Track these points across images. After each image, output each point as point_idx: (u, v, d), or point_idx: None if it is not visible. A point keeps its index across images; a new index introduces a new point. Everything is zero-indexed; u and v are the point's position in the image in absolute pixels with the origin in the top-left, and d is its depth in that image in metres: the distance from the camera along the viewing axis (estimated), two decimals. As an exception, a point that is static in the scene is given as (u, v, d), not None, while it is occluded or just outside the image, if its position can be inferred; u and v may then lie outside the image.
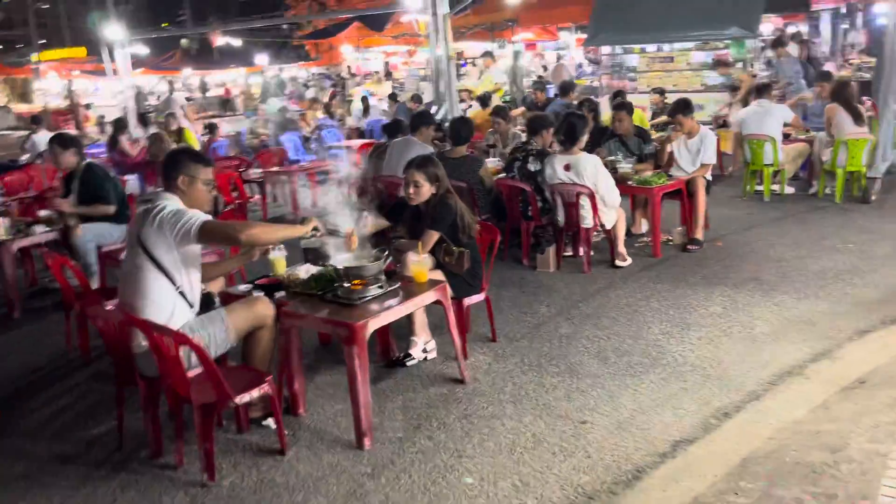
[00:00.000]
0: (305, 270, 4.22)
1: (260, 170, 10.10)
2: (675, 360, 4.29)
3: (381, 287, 3.79)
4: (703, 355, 4.34)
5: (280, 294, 3.98)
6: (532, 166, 6.30)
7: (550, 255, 6.20)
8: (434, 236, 4.29)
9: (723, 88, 12.22)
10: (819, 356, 4.22)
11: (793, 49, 13.64)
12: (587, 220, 5.99)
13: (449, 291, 4.07)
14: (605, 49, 13.96)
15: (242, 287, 4.18)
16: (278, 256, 4.22)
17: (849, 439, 3.00)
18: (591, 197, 5.88)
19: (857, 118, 7.68)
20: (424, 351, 4.44)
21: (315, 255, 4.25)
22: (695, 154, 6.70)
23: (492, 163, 7.11)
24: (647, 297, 5.39)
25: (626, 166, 6.55)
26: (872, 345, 4.32)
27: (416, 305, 3.88)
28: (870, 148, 7.66)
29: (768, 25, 17.87)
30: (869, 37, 19.31)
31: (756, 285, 5.47)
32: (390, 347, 4.48)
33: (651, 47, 13.43)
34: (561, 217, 6.13)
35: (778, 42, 12.78)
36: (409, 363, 4.40)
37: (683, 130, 6.71)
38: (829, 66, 12.79)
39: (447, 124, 8.33)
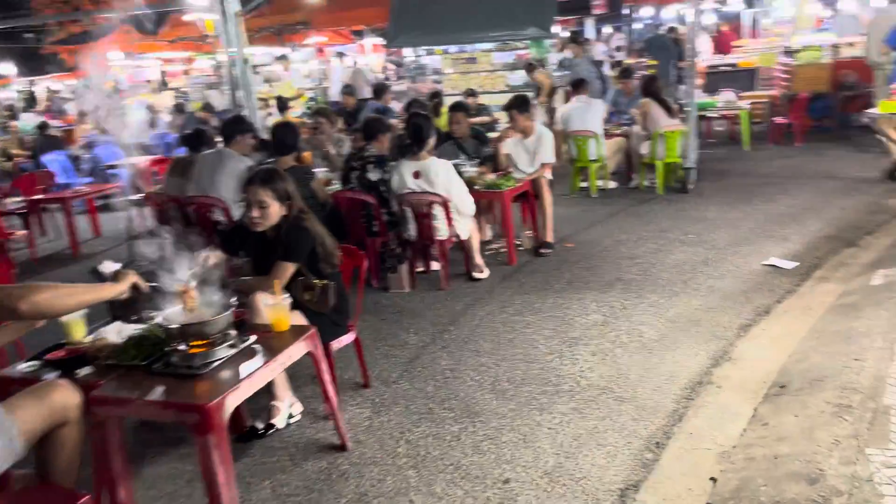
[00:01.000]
0: (116, 332, 3.14)
1: (20, 198, 8.25)
2: (578, 384, 3.79)
3: (232, 345, 2.85)
4: (604, 374, 3.88)
5: (85, 371, 2.88)
6: (373, 175, 5.55)
7: (404, 274, 5.50)
8: (290, 269, 3.40)
9: (527, 88, 12.29)
10: (718, 359, 3.95)
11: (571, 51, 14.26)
12: (442, 232, 5.36)
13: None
14: (408, 51, 13.54)
15: (24, 366, 3.00)
16: (74, 317, 3.09)
17: (818, 464, 2.64)
18: (445, 206, 5.26)
19: (669, 111, 7.88)
20: (290, 416, 3.53)
21: (127, 307, 3.16)
22: (532, 154, 6.36)
23: (321, 174, 6.24)
24: (520, 311, 4.88)
25: (470, 170, 6.03)
26: (761, 340, 4.14)
27: (284, 364, 2.97)
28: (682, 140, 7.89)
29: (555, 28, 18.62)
30: (630, 40, 20.92)
31: (623, 286, 5.19)
32: (241, 415, 3.50)
33: (454, 48, 13.23)
34: (412, 230, 5.44)
35: (574, 41, 13.19)
36: (269, 433, 3.46)
37: (517, 127, 6.33)
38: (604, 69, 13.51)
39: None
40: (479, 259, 5.65)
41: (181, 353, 2.77)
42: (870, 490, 2.43)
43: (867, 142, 9.74)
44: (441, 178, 5.22)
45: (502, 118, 10.54)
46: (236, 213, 5.60)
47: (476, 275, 5.61)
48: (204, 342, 2.79)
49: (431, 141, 5.40)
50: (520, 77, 12.67)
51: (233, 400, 2.62)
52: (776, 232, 6.16)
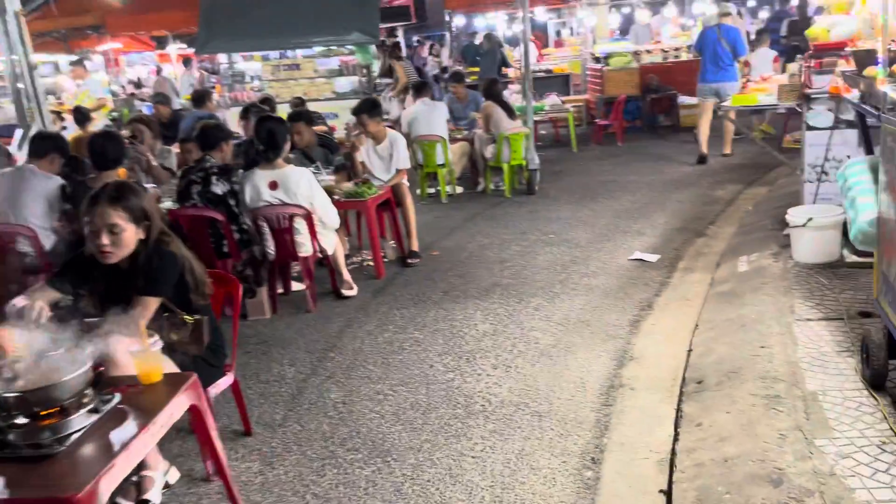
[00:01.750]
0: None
1: None
2: (490, 403, 3.48)
3: (93, 410, 2.19)
4: (513, 388, 3.61)
5: None
6: (218, 188, 4.87)
7: (264, 298, 4.88)
8: (154, 304, 2.74)
9: (355, 95, 11.87)
10: (621, 359, 3.84)
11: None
12: (305, 247, 4.82)
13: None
14: (223, 57, 12.59)
15: None
16: None
17: (773, 462, 2.53)
18: (309, 218, 4.73)
19: (511, 113, 7.89)
20: (167, 486, 2.85)
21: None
22: (388, 160, 5.99)
23: (150, 188, 5.41)
24: (404, 328, 4.49)
25: (326, 179, 5.52)
26: (655, 335, 4.10)
27: (165, 425, 2.33)
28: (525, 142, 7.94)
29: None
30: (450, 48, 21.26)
31: (502, 291, 4.98)
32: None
33: (274, 54, 12.49)
34: (271, 248, 4.84)
35: (396, 49, 13.01)
36: (140, 510, 2.77)
37: (368, 133, 5.93)
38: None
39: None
40: (347, 275, 5.17)
41: (24, 428, 2.07)
42: (837, 485, 2.34)
43: (678, 138, 10.54)
44: (303, 187, 4.68)
45: (337, 125, 10.12)
46: (47, 242, 4.68)
47: (345, 292, 5.12)
48: (54, 410, 2.12)
49: (287, 146, 4.84)
50: (348, 83, 12.24)
51: (107, 484, 1.98)
52: (630, 227, 6.30)
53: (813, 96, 4.39)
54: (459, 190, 8.33)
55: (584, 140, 10.93)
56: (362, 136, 5.99)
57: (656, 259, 5.38)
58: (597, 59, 13.43)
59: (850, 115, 4.33)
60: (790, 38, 11.41)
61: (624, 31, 18.51)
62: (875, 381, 2.82)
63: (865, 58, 2.99)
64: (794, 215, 4.38)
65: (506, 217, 7.06)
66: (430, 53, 16.49)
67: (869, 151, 3.64)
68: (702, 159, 8.68)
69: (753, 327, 3.64)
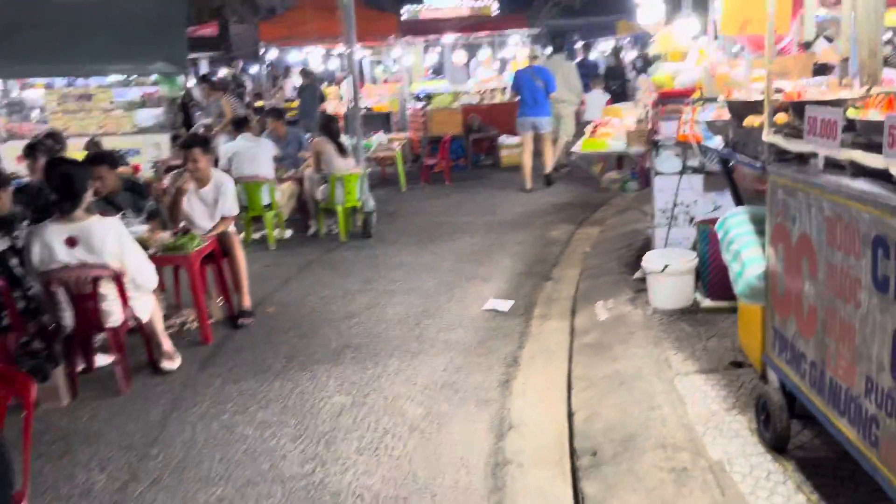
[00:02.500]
0: None
1: None
2: (363, 500, 2.93)
3: None
4: (387, 477, 3.09)
5: None
6: (-5, 246, 3.88)
7: (61, 380, 3.92)
8: None
9: (162, 129, 10.74)
10: (500, 428, 3.47)
11: (200, 91, 13.20)
12: (114, 316, 3.97)
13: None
14: (-5, 84, 10.84)
15: None
16: None
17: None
18: (118, 280, 3.90)
19: (343, 152, 7.42)
20: None
21: None
22: (212, 206, 5.25)
23: None
24: (244, 408, 3.79)
25: (139, 230, 4.66)
26: (528, 396, 3.79)
27: None
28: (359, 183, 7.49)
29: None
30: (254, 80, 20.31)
31: (355, 353, 4.45)
32: None
33: (61, 81, 11.00)
34: (67, 318, 3.92)
35: (204, 81, 12.07)
36: None
37: (199, 167, 5.17)
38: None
39: None
40: (167, 343, 4.35)
41: None
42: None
43: (502, 178, 10.66)
44: (110, 243, 3.85)
45: (141, 163, 9.00)
46: None
47: (166, 365, 4.29)
48: None
49: (89, 195, 3.97)
50: (151, 115, 11.05)
51: None
52: (475, 272, 6.05)
53: (661, 142, 4.40)
54: (289, 234, 7.66)
55: (411, 179, 10.70)
56: (187, 175, 5.18)
57: (509, 307, 5.14)
58: (418, 99, 13.40)
59: (695, 162, 4.39)
60: (609, 83, 12.15)
61: (437, 70, 18.86)
62: (777, 445, 2.68)
63: (742, 108, 2.92)
64: (650, 261, 4.33)
65: (345, 264, 6.53)
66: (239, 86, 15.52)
67: (738, 202, 3.63)
68: (526, 190, 9.30)
69: (634, 384, 3.44)
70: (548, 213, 8.20)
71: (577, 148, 4.76)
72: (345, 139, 7.66)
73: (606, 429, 3.15)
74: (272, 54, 16.30)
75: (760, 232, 2.89)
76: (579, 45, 27.03)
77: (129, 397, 3.98)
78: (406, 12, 18.12)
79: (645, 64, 16.89)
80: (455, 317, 5.01)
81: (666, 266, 4.20)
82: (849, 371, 2.18)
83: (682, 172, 4.42)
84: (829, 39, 5.04)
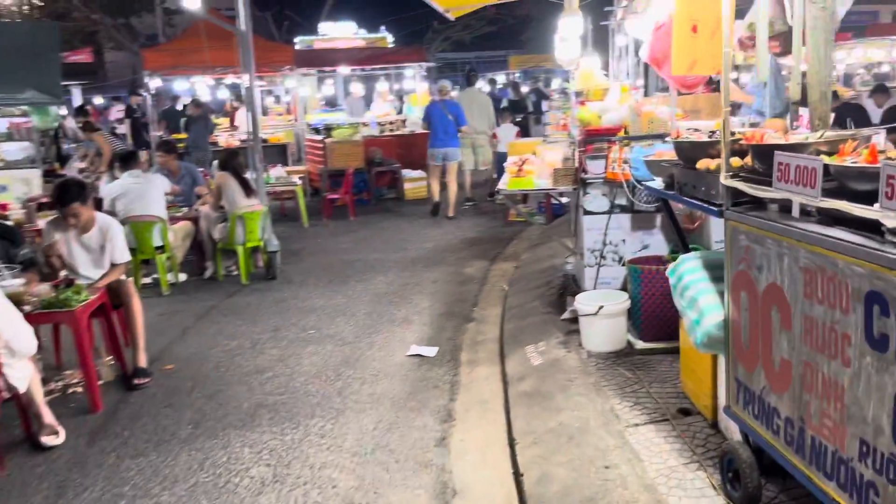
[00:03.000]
0: None
1: None
2: None
3: None
4: (324, 566, 2.70)
5: None
6: None
7: (-86, 471, 3.26)
8: None
9: (32, 163, 9.77)
10: (444, 496, 3.17)
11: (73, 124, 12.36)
12: (-16, 389, 3.36)
13: None
14: None
15: None
16: None
17: None
18: (-11, 347, 3.30)
19: (248, 189, 6.95)
20: None
21: None
22: (98, 252, 4.70)
23: None
24: (145, 490, 3.29)
25: (12, 284, 4.03)
26: (470, 455, 3.51)
27: None
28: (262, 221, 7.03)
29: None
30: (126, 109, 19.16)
31: (272, 415, 4.02)
32: None
33: None
34: (-76, 394, 3.28)
35: (82, 113, 11.18)
36: None
37: (81, 221, 4.61)
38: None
39: None
40: (48, 415, 3.75)
41: None
42: None
43: (406, 211, 10.44)
44: (-22, 305, 3.26)
45: (10, 201, 8.11)
46: None
47: (47, 440, 3.70)
48: None
49: (-49, 248, 3.37)
50: (20, 149, 10.06)
51: None
52: (394, 314, 5.74)
53: (589, 181, 4.30)
54: (183, 278, 7.05)
55: (313, 214, 10.27)
56: (70, 223, 4.58)
57: (435, 352, 4.86)
58: (316, 130, 13.00)
59: (624, 200, 4.31)
60: (513, 115, 12.33)
61: (331, 102, 18.52)
62: (749, 504, 2.53)
63: (691, 150, 2.82)
64: (583, 303, 4.19)
65: (249, 309, 6.04)
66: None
67: (684, 246, 3.54)
68: (435, 208, 9.82)
69: (584, 439, 3.24)
70: (459, 248, 8.02)
71: (503, 185, 4.58)
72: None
73: (562, 492, 2.92)
74: (155, 83, 15.43)
75: (717, 278, 2.78)
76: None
77: (3, 483, 3.37)
78: (299, 43, 17.74)
79: (538, 98, 17.35)
80: (379, 366, 4.68)
81: (600, 308, 4.07)
82: (837, 432, 2.06)
83: (610, 212, 4.33)
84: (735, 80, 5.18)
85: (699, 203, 2.81)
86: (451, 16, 6.19)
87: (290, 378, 4.53)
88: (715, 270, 2.81)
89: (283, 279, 6.97)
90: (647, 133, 4.23)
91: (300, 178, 11.53)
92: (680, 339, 3.48)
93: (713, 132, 2.86)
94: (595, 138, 4.26)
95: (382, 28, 18.38)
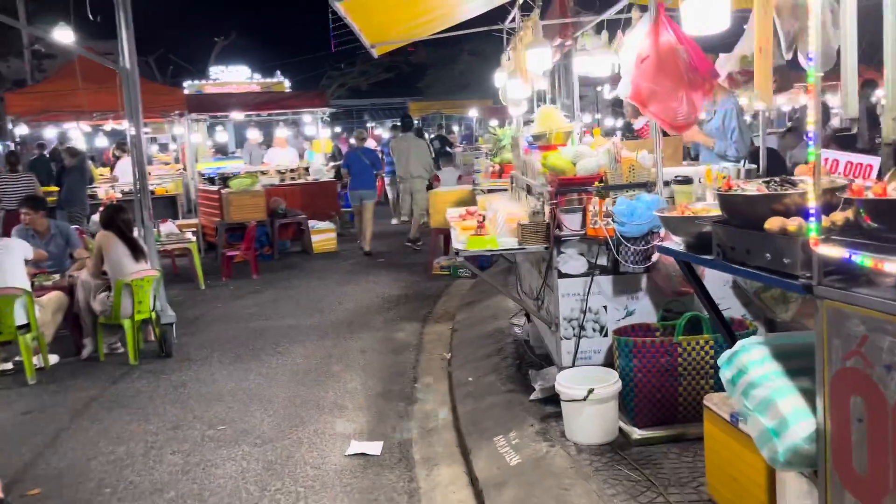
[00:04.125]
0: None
1: None
2: None
3: None
4: None
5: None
6: None
7: None
8: None
9: None
10: None
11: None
12: None
13: None
14: None
15: None
16: None
17: None
18: None
19: (136, 251, 5.82)
20: None
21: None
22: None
23: None
24: None
25: None
26: None
27: None
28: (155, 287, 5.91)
29: None
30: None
31: (178, 561, 2.98)
32: None
33: None
34: None
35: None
36: None
37: None
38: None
39: None
40: None
41: None
42: None
43: (315, 266, 9.48)
44: None
45: None
46: None
47: None
48: None
49: None
50: None
51: None
52: (322, 398, 4.80)
53: (564, 238, 3.62)
54: (55, 360, 5.79)
55: (209, 273, 9.11)
56: None
57: (380, 449, 3.98)
58: (210, 180, 11.85)
59: (604, 260, 3.66)
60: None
61: (222, 150, 17.29)
62: None
63: (750, 204, 2.17)
64: (567, 385, 3.46)
65: (141, 400, 4.91)
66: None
67: (728, 332, 2.86)
68: (367, 253, 10.07)
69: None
70: (383, 307, 7.16)
71: (461, 245, 3.82)
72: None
73: None
74: (21, 130, 13.74)
75: (796, 371, 2.12)
76: (370, 123, 27.01)
77: None
78: (188, 87, 16.50)
79: (442, 144, 16.91)
80: (313, 473, 3.73)
81: (590, 391, 3.35)
82: None
83: (590, 274, 3.66)
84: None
85: (765, 274, 2.15)
86: (374, 52, 5.50)
87: (197, 496, 3.49)
88: (790, 360, 2.15)
89: (181, 356, 5.85)
90: (627, 182, 3.62)
91: (193, 232, 10.38)
92: (705, 432, 2.80)
93: (783, 180, 2.23)
94: (569, 188, 3.60)
95: (278, 73, 17.46)
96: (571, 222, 3.59)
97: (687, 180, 3.51)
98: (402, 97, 28.07)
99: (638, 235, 3.44)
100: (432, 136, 18.60)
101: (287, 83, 17.04)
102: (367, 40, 5.23)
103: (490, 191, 6.88)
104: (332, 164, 14.36)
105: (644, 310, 3.71)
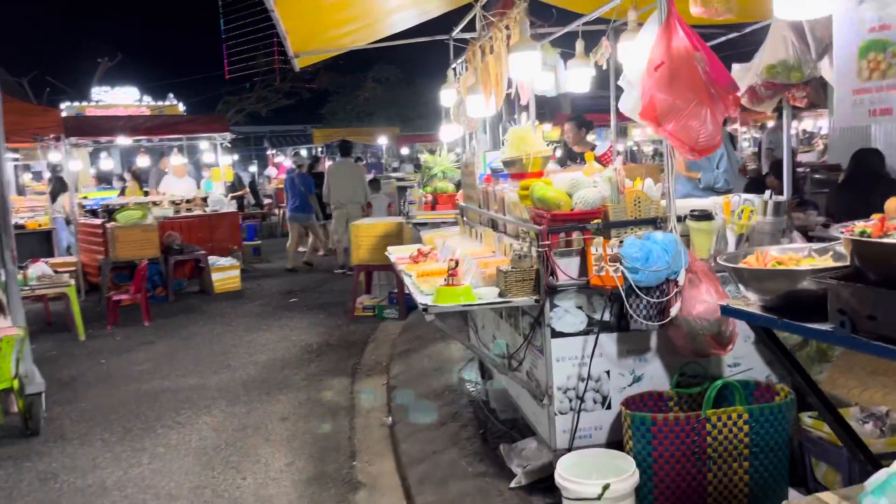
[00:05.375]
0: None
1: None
2: None
3: None
4: None
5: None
6: None
7: None
8: None
9: None
10: None
11: None
12: None
13: None
14: None
15: None
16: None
17: None
18: None
19: (-6, 307, 4.61)
20: None
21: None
22: None
23: None
24: None
25: None
26: None
27: None
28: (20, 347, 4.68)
29: None
30: None
31: None
32: None
33: None
34: None
35: None
36: None
37: None
38: None
39: None
40: None
41: None
42: None
43: (217, 309, 8.32)
44: None
45: None
46: None
47: None
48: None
49: None
50: None
51: None
52: (238, 488, 3.78)
53: (560, 288, 2.86)
54: None
55: (92, 320, 7.78)
56: None
57: (323, 562, 3.04)
58: (93, 213, 10.39)
59: (608, 315, 2.92)
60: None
61: (106, 178, 15.62)
62: None
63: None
64: (574, 480, 2.67)
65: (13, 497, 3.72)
66: None
67: (857, 451, 2.15)
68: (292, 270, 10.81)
69: None
70: (303, 359, 6.16)
71: (428, 301, 2.97)
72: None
73: None
74: None
75: None
76: (270, 150, 25.62)
77: None
78: (66, 109, 14.78)
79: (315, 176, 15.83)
80: None
81: (606, 488, 2.58)
82: None
83: (591, 331, 2.92)
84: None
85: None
86: (296, 63, 4.64)
87: None
88: None
89: (53, 434, 4.64)
90: (633, 218, 2.92)
91: (71, 272, 8.93)
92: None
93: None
94: (565, 226, 2.86)
95: (171, 95, 16.01)
96: (569, 268, 2.84)
97: (706, 216, 2.85)
98: (304, 124, 26.94)
99: (654, 284, 2.74)
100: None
101: (181, 106, 15.65)
102: (291, 48, 4.35)
103: (422, 224, 6.09)
104: (232, 194, 13.13)
105: (654, 374, 3.00)
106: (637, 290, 2.73)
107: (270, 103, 24.00)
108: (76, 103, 15.37)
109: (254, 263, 11.64)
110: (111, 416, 4.93)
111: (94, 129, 11.87)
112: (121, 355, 6.56)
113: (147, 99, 15.86)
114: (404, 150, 22.79)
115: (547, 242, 2.85)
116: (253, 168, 21.97)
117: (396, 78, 24.45)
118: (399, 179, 15.43)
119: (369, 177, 12.19)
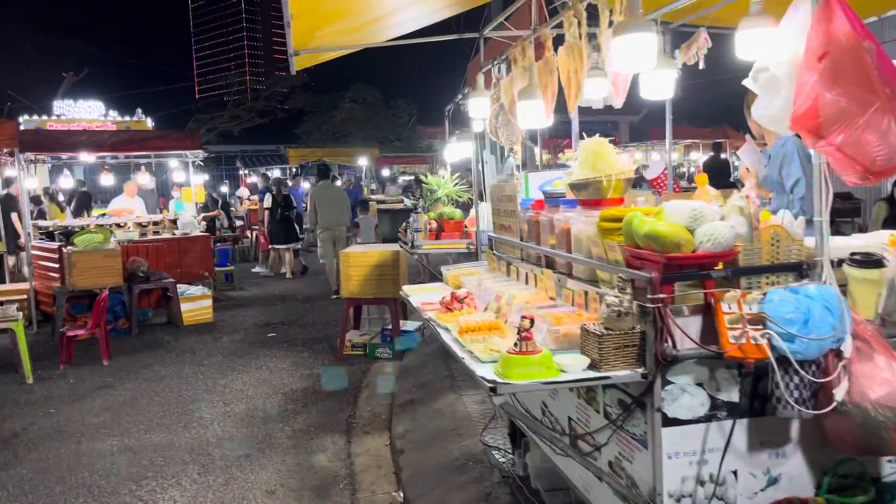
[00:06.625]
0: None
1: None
2: None
3: None
4: None
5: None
6: None
7: None
8: None
9: None
10: None
11: None
12: None
13: None
14: None
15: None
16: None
17: None
18: None
19: None
20: None
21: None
22: None
23: None
24: None
25: None
26: None
27: None
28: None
29: None
30: None
31: None
32: None
33: None
34: None
35: None
36: None
37: None
38: None
39: None
40: None
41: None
42: None
43: (186, 344, 7.34)
44: None
45: None
46: None
47: None
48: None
49: None
50: None
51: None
52: None
53: (679, 358, 2.05)
54: None
55: (42, 356, 6.76)
56: None
57: None
58: (49, 235, 9.34)
59: (736, 394, 2.11)
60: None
61: (62, 197, 14.46)
62: None
63: None
64: None
65: None
66: None
67: None
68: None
69: None
70: (288, 409, 5.24)
71: (494, 375, 2.13)
72: None
73: None
74: None
75: None
76: (243, 170, 24.55)
77: None
78: (25, 123, 13.65)
79: (282, 203, 14.89)
80: None
81: None
82: None
83: (717, 417, 2.11)
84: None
85: None
86: (294, 64, 3.84)
87: None
88: None
89: (-22, 518, 3.66)
90: (769, 262, 2.13)
91: (20, 302, 7.87)
92: None
93: None
94: (686, 274, 2.07)
95: (139, 111, 14.96)
96: (691, 331, 2.03)
97: (875, 261, 2.07)
98: (277, 143, 25.98)
99: (815, 356, 1.95)
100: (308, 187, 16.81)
101: (150, 122, 14.62)
102: (293, 41, 3.54)
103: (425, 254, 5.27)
104: (204, 214, 12.16)
105: (795, 474, 2.19)
106: (794, 365, 1.93)
107: (243, 122, 23.03)
108: (36, 117, 14.24)
109: (226, 291, 10.66)
110: (55, 489, 3.96)
111: (53, 143, 10.78)
112: (73, 403, 5.55)
113: (113, 114, 14.80)
114: (385, 172, 21.96)
115: (661, 296, 2.04)
116: (224, 188, 20.89)
117: (374, 99, 23.70)
118: (380, 202, 14.60)
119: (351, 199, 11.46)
